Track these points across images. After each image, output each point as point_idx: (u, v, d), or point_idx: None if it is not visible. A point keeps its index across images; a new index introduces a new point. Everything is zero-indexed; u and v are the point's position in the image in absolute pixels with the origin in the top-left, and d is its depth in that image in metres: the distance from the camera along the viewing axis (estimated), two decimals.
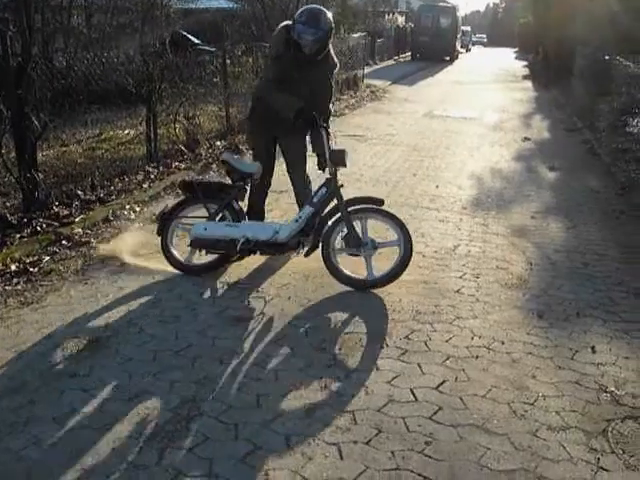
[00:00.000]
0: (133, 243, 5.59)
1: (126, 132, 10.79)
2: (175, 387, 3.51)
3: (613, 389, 3.51)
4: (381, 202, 4.76)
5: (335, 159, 4.70)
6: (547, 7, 24.06)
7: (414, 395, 3.43)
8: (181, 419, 3.23)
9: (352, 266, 4.84)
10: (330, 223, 4.78)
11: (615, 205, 7.10)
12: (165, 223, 5.05)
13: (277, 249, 4.87)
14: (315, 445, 3.06)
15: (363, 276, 4.76)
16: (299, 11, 4.96)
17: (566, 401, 3.41)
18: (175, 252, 5.09)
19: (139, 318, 4.30)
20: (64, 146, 9.95)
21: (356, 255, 4.79)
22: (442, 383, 3.54)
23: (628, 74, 8.81)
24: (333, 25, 4.97)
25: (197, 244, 4.94)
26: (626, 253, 5.61)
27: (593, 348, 3.95)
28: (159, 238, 5.07)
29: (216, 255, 5.01)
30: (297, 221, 4.82)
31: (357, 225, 4.75)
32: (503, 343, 3.99)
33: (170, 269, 5.01)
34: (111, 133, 10.85)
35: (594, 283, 4.96)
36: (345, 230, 4.73)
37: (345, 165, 4.76)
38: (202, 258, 5.07)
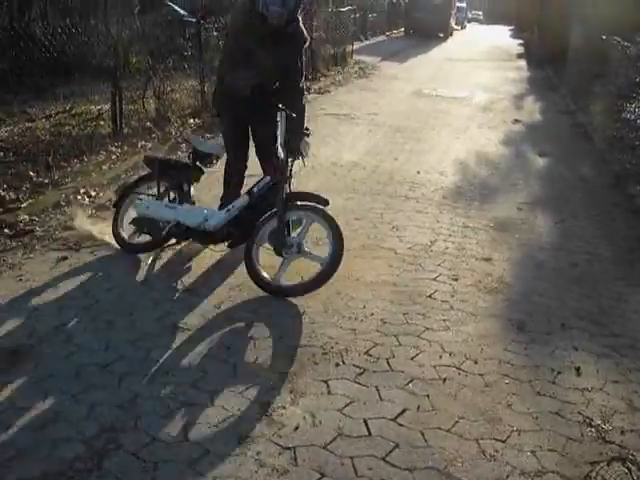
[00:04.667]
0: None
1: (98, 107, 10.19)
2: (94, 412, 3.02)
3: (599, 422, 3.04)
4: (326, 202, 4.23)
5: (291, 147, 4.19)
6: None
7: (368, 428, 2.95)
8: (94, 454, 2.75)
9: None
10: (266, 216, 4.29)
11: (608, 197, 6.61)
12: (122, 196, 4.92)
13: (204, 237, 4.57)
14: None
15: (271, 279, 4.23)
16: None
17: (544, 437, 2.94)
18: (122, 229, 4.86)
19: (69, 323, 3.80)
20: (30, 121, 9.38)
21: (279, 255, 4.26)
22: (402, 413, 3.06)
23: (626, 55, 8.26)
24: None
25: (136, 223, 4.73)
26: (618, 252, 5.14)
27: (578, 369, 3.47)
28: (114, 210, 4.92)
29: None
30: (228, 211, 4.42)
31: (298, 223, 4.28)
32: (476, 362, 3.51)
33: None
34: (82, 108, 10.25)
35: (582, 288, 4.48)
36: (275, 224, 4.21)
37: (302, 155, 4.30)
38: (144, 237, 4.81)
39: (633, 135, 6.53)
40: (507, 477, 2.69)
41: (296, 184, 6.27)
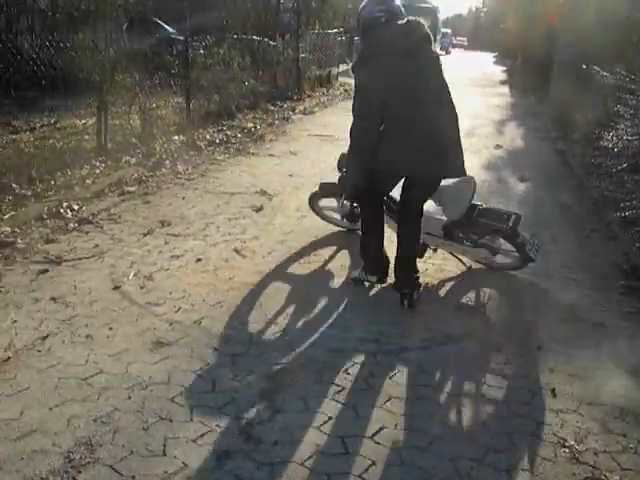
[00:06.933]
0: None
1: (83, 121, 10.22)
2: (72, 425, 3.02)
3: (573, 443, 3.08)
4: None
5: None
6: (528, 13, 23.78)
7: (345, 445, 2.97)
8: (71, 467, 2.75)
9: None
10: None
11: (586, 223, 6.71)
12: None
13: None
14: None
15: None
16: None
17: (519, 457, 2.97)
18: None
19: (48, 336, 3.79)
20: (14, 133, 9.39)
21: None
22: (379, 431, 3.09)
23: (604, 85, 8.43)
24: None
25: None
26: (594, 278, 5.21)
27: (554, 391, 3.52)
28: None
29: None
30: None
31: None
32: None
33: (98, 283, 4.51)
34: (67, 122, 10.27)
35: (559, 312, 4.54)
36: None
37: None
38: None
39: (610, 163, 6.65)
40: None
41: (285, 201, 6.35)
